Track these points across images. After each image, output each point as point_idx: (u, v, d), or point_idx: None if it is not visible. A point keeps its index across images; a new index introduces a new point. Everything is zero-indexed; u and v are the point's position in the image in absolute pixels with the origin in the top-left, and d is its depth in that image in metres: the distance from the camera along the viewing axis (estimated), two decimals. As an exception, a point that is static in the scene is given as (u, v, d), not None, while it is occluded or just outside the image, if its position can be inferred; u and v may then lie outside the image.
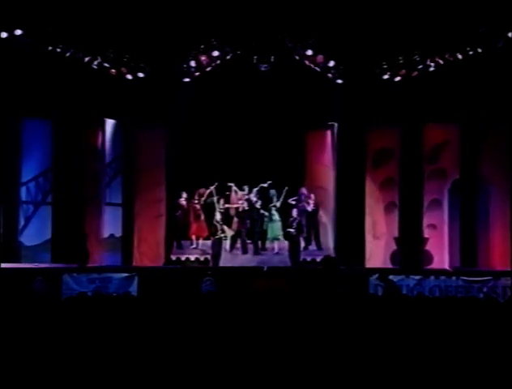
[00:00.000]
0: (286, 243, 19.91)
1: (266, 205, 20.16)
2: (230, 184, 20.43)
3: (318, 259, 19.93)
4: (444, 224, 21.03)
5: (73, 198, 20.45)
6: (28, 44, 18.35)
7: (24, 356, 9.26)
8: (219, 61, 20.02)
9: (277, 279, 17.68)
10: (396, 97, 20.32)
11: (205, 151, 21.26)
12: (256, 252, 20.01)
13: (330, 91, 20.43)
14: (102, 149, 21.23)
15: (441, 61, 19.40)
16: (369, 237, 21.09)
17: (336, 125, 21.48)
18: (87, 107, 20.43)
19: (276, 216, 19.97)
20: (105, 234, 21.10)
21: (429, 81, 20.00)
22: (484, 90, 19.75)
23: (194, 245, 20.55)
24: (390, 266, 20.63)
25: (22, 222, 20.48)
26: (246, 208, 20.16)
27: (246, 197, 20.27)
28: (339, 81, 20.23)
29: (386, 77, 20.05)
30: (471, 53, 18.85)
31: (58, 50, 18.75)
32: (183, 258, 20.42)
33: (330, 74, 20.12)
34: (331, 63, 19.92)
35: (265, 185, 20.38)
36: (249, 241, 20.20)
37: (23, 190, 20.55)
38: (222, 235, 19.62)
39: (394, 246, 21.02)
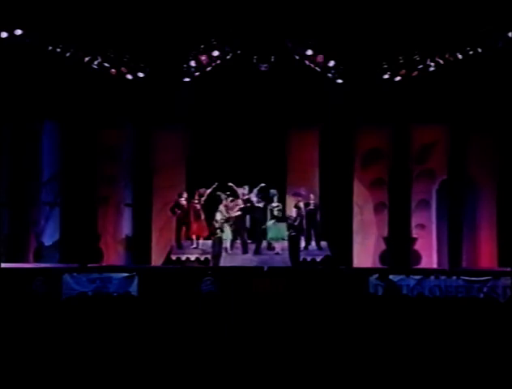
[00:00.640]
0: (286, 243, 19.90)
1: (266, 205, 20.13)
2: (230, 184, 20.34)
3: (318, 259, 20.06)
4: (432, 224, 21.32)
5: (84, 199, 20.63)
6: (29, 45, 18.42)
7: (25, 354, 9.33)
8: (219, 61, 20.03)
9: (277, 279, 17.73)
10: (385, 97, 20.38)
11: (206, 151, 21.40)
12: (256, 252, 19.97)
13: (328, 91, 20.47)
14: (119, 150, 21.52)
15: (441, 61, 19.44)
16: (357, 238, 21.23)
17: (324, 124, 21.53)
18: (93, 109, 20.61)
19: (278, 216, 19.92)
20: (124, 234, 21.60)
21: (420, 82, 20.07)
22: (476, 91, 19.89)
23: (195, 245, 20.51)
24: (379, 265, 20.84)
25: (42, 222, 21.12)
26: (247, 208, 20.12)
27: (246, 197, 20.24)
28: (339, 81, 20.25)
29: (385, 77, 20.09)
30: (470, 53, 18.90)
31: (58, 50, 18.80)
32: (183, 257, 20.37)
33: (330, 74, 20.16)
34: (331, 63, 19.93)
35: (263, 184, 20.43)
36: (249, 241, 20.17)
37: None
38: (222, 234, 19.61)
39: (383, 246, 21.22)
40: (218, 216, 19.73)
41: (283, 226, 19.73)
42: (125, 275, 18.23)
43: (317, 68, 20.04)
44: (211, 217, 20.00)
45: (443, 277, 18.13)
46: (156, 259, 21.32)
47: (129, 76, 20.21)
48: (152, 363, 9.22)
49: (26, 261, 20.30)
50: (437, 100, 20.17)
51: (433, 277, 18.11)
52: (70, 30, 18.71)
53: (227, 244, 19.78)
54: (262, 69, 19.66)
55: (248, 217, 20.21)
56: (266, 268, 18.60)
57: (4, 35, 17.79)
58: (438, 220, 21.26)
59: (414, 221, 21.12)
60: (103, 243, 21.22)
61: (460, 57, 19.03)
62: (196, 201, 20.43)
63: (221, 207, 19.95)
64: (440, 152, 21.14)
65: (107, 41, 19.42)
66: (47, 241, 21.10)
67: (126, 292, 17.72)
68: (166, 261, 20.90)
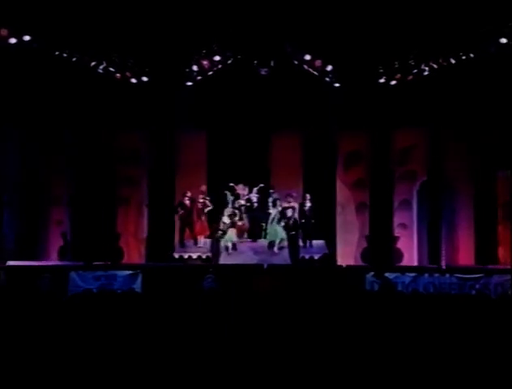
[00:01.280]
0: (285, 242, 20.05)
1: (265, 205, 20.36)
2: (231, 184, 20.57)
3: (316, 257, 20.36)
4: (413, 224, 21.76)
5: (103, 199, 21.11)
6: (37, 50, 18.69)
7: (31, 350, 9.62)
8: (220, 66, 20.38)
9: (277, 277, 18.02)
10: (368, 102, 20.73)
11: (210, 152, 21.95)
12: (256, 250, 20.11)
13: (326, 95, 20.79)
14: (141, 152, 21.90)
15: (435, 66, 19.67)
16: (340, 236, 21.60)
17: (309, 128, 21.89)
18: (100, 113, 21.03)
19: (278, 216, 20.04)
20: (145, 234, 21.98)
21: (403, 88, 20.42)
22: (464, 96, 20.19)
23: (200, 245, 20.71)
24: (360, 263, 21.21)
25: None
26: (247, 207, 20.41)
27: (247, 196, 20.49)
28: (337, 85, 20.55)
29: (381, 81, 20.40)
30: (463, 58, 19.12)
31: (65, 55, 19.06)
32: (186, 256, 20.52)
33: (327, 78, 20.50)
34: (329, 67, 20.27)
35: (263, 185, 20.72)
36: (249, 240, 20.40)
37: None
38: (222, 235, 19.88)
39: (364, 244, 21.62)
40: (226, 220, 19.96)
41: (280, 228, 19.94)
42: (130, 272, 18.44)
43: (315, 72, 20.37)
44: (215, 217, 20.27)
45: (437, 275, 18.42)
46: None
47: (133, 80, 20.57)
48: (156, 358, 9.28)
49: (35, 259, 20.64)
50: (420, 105, 20.43)
51: (427, 275, 18.41)
52: (76, 36, 18.94)
53: (228, 244, 19.92)
54: (263, 73, 19.90)
55: (248, 216, 20.43)
56: (265, 266, 18.82)
57: (13, 41, 18.03)
58: (419, 219, 21.71)
59: (396, 220, 21.49)
60: (123, 242, 21.56)
61: (453, 62, 19.27)
62: (201, 200, 20.77)
63: (229, 210, 20.11)
64: (420, 154, 21.58)
65: (111, 46, 19.68)
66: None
67: (130, 289, 17.95)
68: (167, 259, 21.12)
